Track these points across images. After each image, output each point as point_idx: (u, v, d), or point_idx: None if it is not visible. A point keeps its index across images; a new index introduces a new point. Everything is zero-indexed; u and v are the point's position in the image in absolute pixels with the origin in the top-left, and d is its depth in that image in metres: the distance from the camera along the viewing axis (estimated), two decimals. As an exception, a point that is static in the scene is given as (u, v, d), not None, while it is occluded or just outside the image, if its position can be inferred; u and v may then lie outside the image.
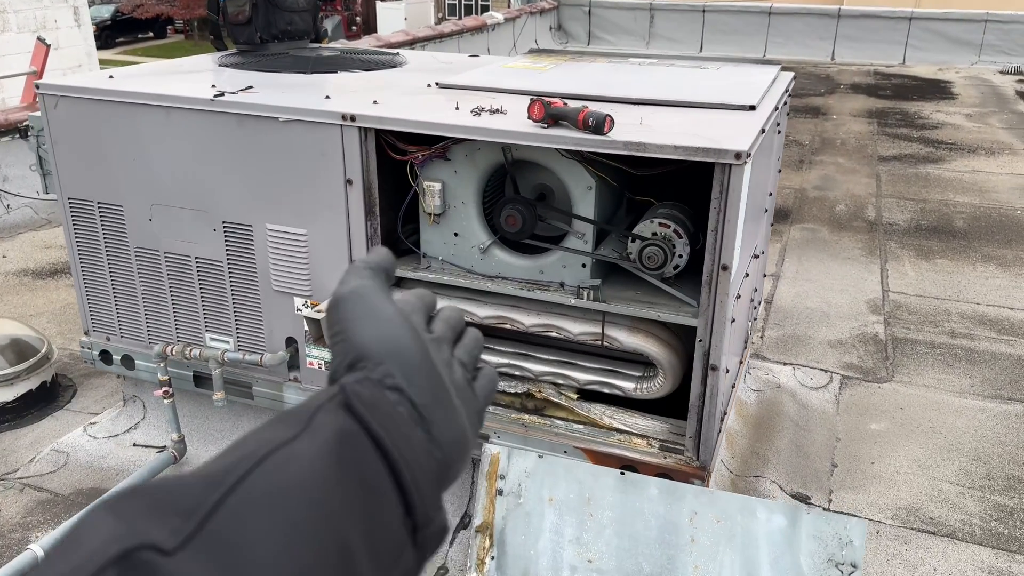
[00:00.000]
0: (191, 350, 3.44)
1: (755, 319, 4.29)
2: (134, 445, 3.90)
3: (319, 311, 3.07)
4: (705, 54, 16.18)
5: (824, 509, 3.52)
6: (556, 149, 2.79)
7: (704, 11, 17.63)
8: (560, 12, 18.45)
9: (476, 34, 14.42)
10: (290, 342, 3.36)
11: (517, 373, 3.26)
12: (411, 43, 11.94)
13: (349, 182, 2.98)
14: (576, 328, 2.98)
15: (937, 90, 13.66)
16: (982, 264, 6.28)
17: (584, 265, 2.93)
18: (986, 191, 8.06)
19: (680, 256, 2.81)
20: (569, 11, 18.47)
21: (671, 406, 3.16)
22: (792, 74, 3.87)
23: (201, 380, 3.63)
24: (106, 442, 3.92)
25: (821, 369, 4.67)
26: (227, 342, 3.48)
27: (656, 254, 2.77)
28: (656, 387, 3.03)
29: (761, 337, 5.00)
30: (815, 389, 4.47)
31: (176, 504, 0.44)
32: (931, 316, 5.40)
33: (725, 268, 2.60)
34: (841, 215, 7.42)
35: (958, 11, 16.20)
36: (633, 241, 2.85)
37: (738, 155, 2.45)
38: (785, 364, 4.69)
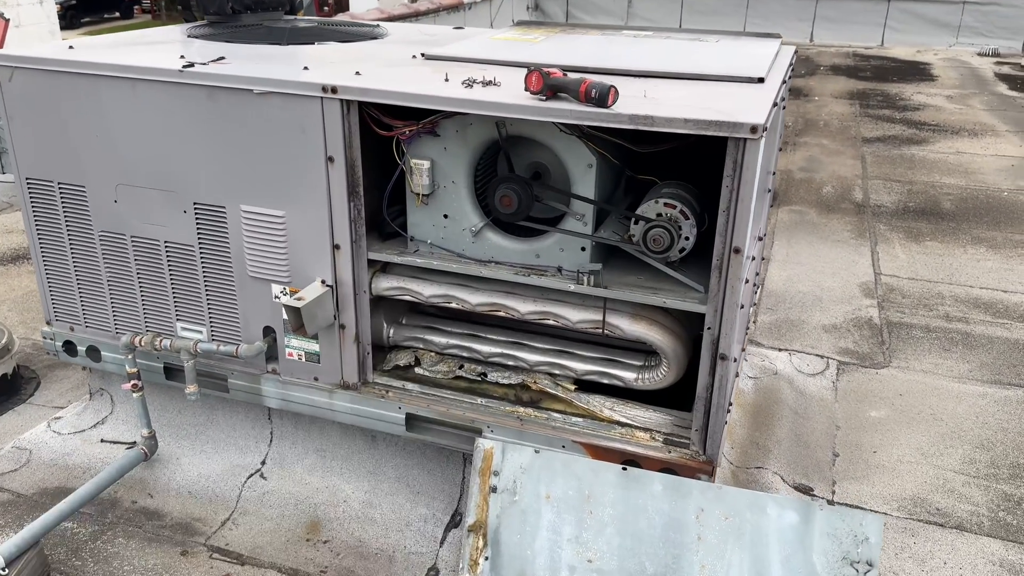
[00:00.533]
0: (161, 341, 3.22)
1: (755, 304, 4.14)
2: (101, 441, 3.67)
3: (299, 298, 2.86)
4: (685, 35, 15.99)
5: (829, 502, 3.39)
6: (555, 124, 2.60)
7: (683, -9, 17.45)
8: (537, -8, 18.17)
9: (452, 13, 14.12)
10: (268, 332, 3.15)
11: (511, 363, 3.08)
12: (386, 20, 11.64)
13: (330, 160, 2.77)
14: (575, 316, 2.80)
15: (917, 72, 13.61)
16: (972, 246, 6.19)
17: (583, 248, 2.75)
18: (971, 172, 7.99)
19: (687, 238, 2.64)
20: (546, -9, 18.20)
21: (671, 397, 2.99)
22: (794, 48, 3.70)
23: (173, 372, 3.41)
24: (71, 438, 3.69)
25: (817, 355, 4.55)
26: (200, 332, 3.27)
27: (662, 236, 2.60)
28: (659, 377, 2.87)
29: (754, 322, 4.86)
30: (812, 376, 4.34)
31: None
32: (925, 299, 5.29)
33: (737, 251, 2.44)
34: (828, 197, 7.30)
35: (937, -8, 16.15)
36: (636, 223, 2.68)
37: (754, 129, 2.27)
38: (780, 350, 4.56)
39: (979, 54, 15.28)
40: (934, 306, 5.20)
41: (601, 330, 2.78)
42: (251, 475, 3.43)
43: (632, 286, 2.72)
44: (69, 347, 3.55)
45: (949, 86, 12.36)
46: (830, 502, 3.40)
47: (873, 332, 4.85)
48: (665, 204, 2.63)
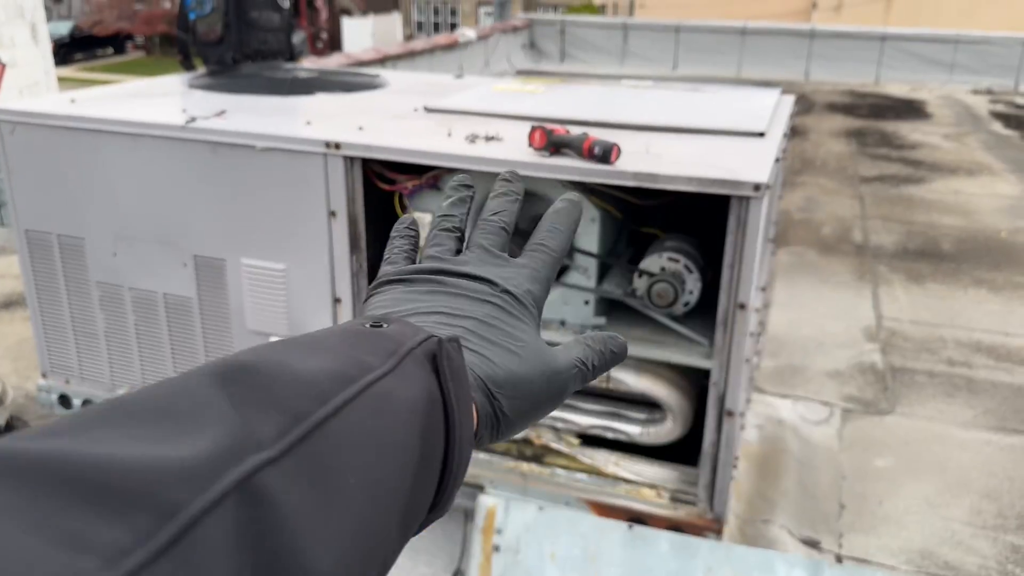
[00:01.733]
0: (159, 394, 3.17)
1: (759, 353, 4.12)
2: (97, 495, 3.61)
3: (299, 353, 2.83)
4: (679, 72, 16.19)
5: (837, 557, 3.33)
6: (558, 180, 2.59)
7: (678, 30, 17.63)
8: (533, 30, 18.36)
9: (448, 52, 14.25)
10: (267, 385, 3.11)
11: (513, 417, 3.04)
12: (381, 61, 11.70)
13: (332, 214, 2.76)
14: (578, 370, 2.77)
15: (912, 110, 13.72)
16: (973, 288, 6.18)
17: (587, 302, 2.73)
18: (970, 212, 8.00)
19: (691, 292, 2.62)
20: (542, 29, 18.39)
21: (677, 451, 2.96)
22: (792, 97, 3.71)
23: (170, 425, 3.36)
24: (66, 492, 3.62)
25: (821, 402, 4.50)
26: (198, 385, 3.22)
27: (666, 291, 2.58)
28: (664, 431, 2.83)
29: (758, 369, 4.82)
30: (817, 424, 4.30)
31: (287, 402, 0.43)
32: (927, 344, 5.26)
33: (742, 306, 2.42)
34: (828, 238, 7.31)
35: (929, 31, 16.35)
36: (640, 276, 2.66)
37: (756, 187, 2.27)
38: (784, 397, 4.52)
39: (973, 92, 15.43)
40: (936, 350, 5.17)
41: (606, 384, 2.75)
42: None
43: (637, 340, 2.69)
44: (64, 400, 3.51)
45: (945, 124, 12.45)
46: (838, 557, 3.34)
47: (876, 377, 4.81)
48: (669, 259, 2.62)
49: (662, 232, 2.88)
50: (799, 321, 5.54)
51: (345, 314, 2.88)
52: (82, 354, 3.39)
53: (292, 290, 2.92)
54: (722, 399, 2.54)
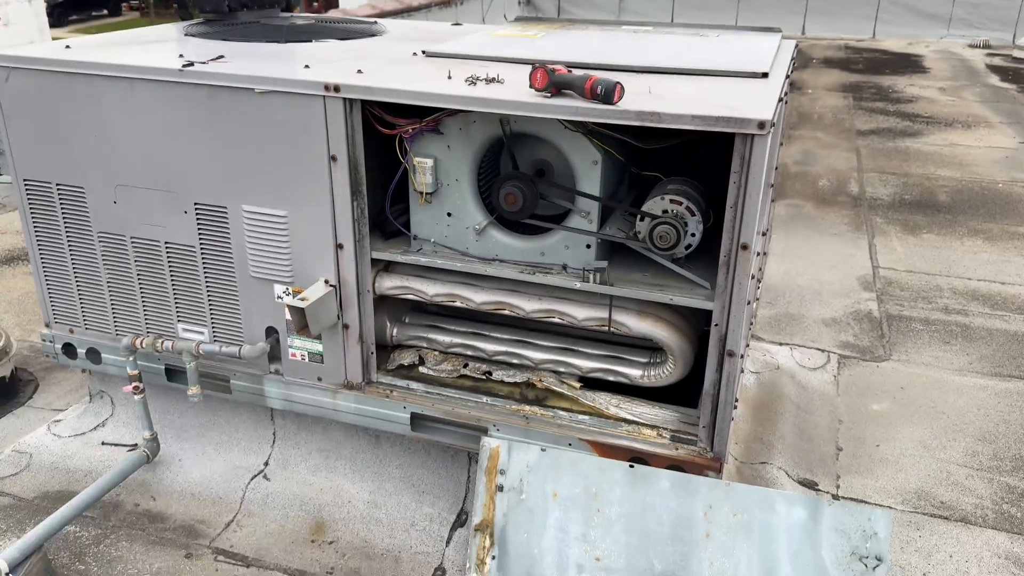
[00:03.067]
0: (162, 342, 3.19)
1: (758, 299, 4.13)
2: (103, 444, 3.65)
3: (303, 299, 2.84)
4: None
5: (834, 497, 3.39)
6: (560, 121, 2.59)
7: (674, -15, 17.42)
8: (529, -14, 18.12)
9: (443, 8, 14.08)
10: (270, 332, 3.13)
11: (516, 361, 3.07)
12: (378, 16, 11.58)
13: (333, 159, 2.75)
14: (581, 313, 2.79)
15: (909, 64, 13.63)
16: (969, 238, 6.21)
17: (589, 246, 2.74)
18: (966, 164, 8.00)
19: (692, 235, 2.63)
20: (538, -15, 18.16)
21: (677, 393, 2.99)
22: (795, 42, 3.69)
23: (174, 374, 3.38)
24: (72, 441, 3.66)
25: (818, 349, 4.55)
26: (201, 333, 3.24)
27: (668, 233, 2.59)
28: (665, 374, 2.86)
29: (755, 316, 4.85)
30: (814, 370, 4.34)
31: None
32: (923, 292, 5.30)
33: (745, 247, 2.43)
34: (824, 190, 7.31)
35: (927, -16, 16.17)
36: (642, 219, 2.66)
37: (761, 124, 2.26)
38: (781, 344, 4.56)
39: (970, 46, 15.31)
40: (933, 299, 5.21)
41: (607, 328, 2.77)
42: (254, 476, 3.41)
43: (638, 283, 2.70)
44: (69, 350, 3.52)
45: (941, 78, 12.38)
46: (835, 497, 3.40)
47: (873, 325, 4.85)
48: (671, 200, 2.62)
49: (664, 176, 2.88)
50: (796, 271, 5.57)
51: (347, 260, 2.89)
52: (85, 304, 3.40)
53: (294, 236, 2.92)
54: (723, 340, 2.56)
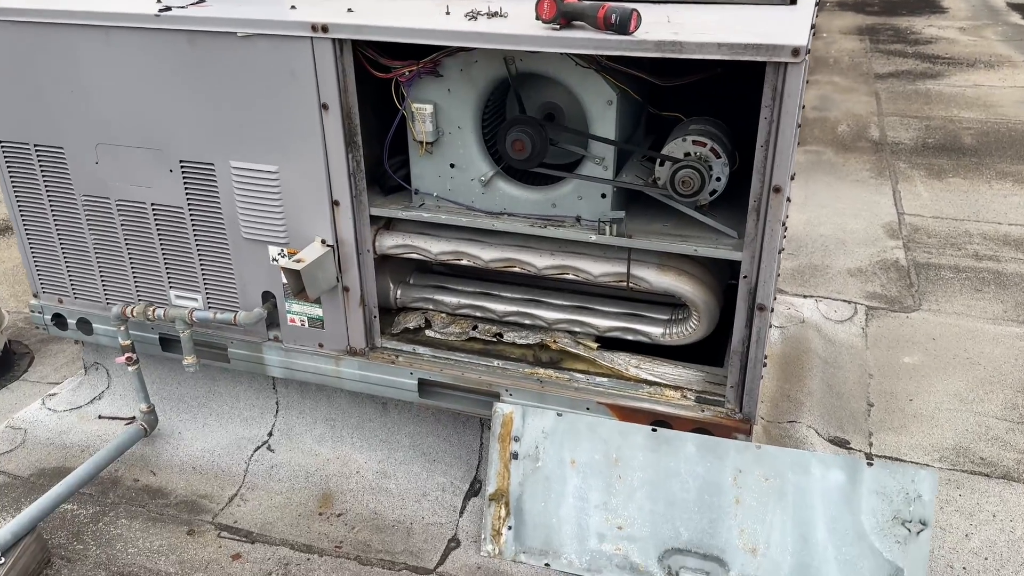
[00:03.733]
0: (154, 310, 3.02)
1: (783, 249, 3.92)
2: (99, 417, 3.50)
3: (298, 260, 2.65)
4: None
5: (867, 455, 3.21)
6: (570, 57, 2.36)
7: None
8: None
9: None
10: (267, 297, 2.95)
11: (528, 322, 2.88)
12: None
13: (324, 107, 2.54)
14: (597, 269, 2.59)
15: (926, 4, 13.16)
16: (997, 181, 5.94)
17: (604, 195, 2.53)
18: (990, 105, 7.68)
19: (718, 179, 2.41)
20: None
21: (699, 352, 2.80)
22: (819, -30, 3.42)
23: (169, 343, 3.22)
24: (68, 415, 3.51)
25: (844, 300, 4.34)
26: (195, 300, 3.06)
27: (691, 178, 2.37)
28: (688, 331, 2.67)
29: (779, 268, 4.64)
30: (840, 322, 4.14)
31: None
32: (952, 238, 5.07)
33: (777, 190, 2.22)
34: (844, 136, 7.03)
35: (945, -79, 15.57)
36: (662, 164, 2.45)
37: (795, 51, 2.04)
38: (806, 297, 4.35)
39: (990, -16, 14.77)
40: (962, 245, 4.98)
41: (625, 283, 2.57)
42: (258, 448, 3.26)
43: (658, 234, 2.50)
44: (59, 320, 3.36)
45: (961, 18, 11.94)
46: (868, 456, 3.23)
47: (900, 274, 4.63)
48: (694, 142, 2.40)
49: (685, 116, 2.66)
50: (818, 220, 5.34)
51: (344, 218, 2.69)
52: (73, 272, 3.22)
53: (287, 193, 2.72)
54: (753, 293, 2.36)
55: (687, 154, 2.41)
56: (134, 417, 3.35)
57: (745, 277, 2.36)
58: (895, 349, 3.94)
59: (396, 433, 3.17)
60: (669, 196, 2.46)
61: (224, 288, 3.00)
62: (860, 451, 3.27)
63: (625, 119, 2.55)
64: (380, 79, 2.55)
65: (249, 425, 3.33)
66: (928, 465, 3.19)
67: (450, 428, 3.12)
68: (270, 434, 3.30)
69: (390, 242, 2.79)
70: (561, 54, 2.36)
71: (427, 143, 2.62)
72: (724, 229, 2.45)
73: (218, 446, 3.29)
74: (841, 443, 3.30)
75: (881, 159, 6.45)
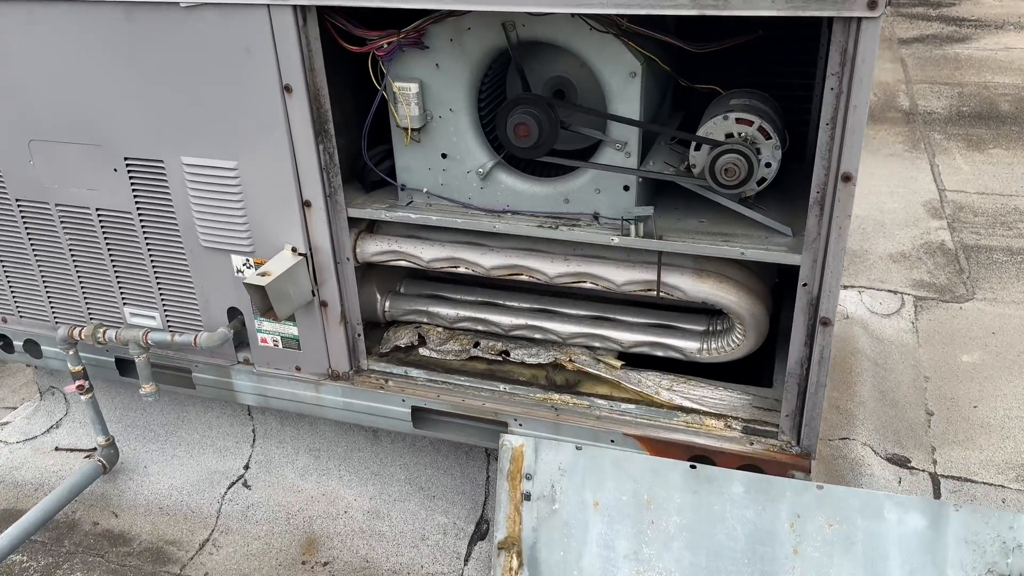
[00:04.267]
0: (105, 332, 2.60)
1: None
2: (56, 449, 3.10)
3: (263, 274, 2.23)
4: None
5: (931, 474, 2.79)
6: (584, 19, 1.92)
7: None
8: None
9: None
10: (234, 314, 2.53)
11: (539, 337, 2.46)
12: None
13: (287, 89, 2.10)
14: (621, 276, 2.16)
15: (945, -35, 12.56)
16: (1043, 151, 5.47)
17: (627, 187, 2.10)
18: (1026, 69, 7.18)
19: (768, 165, 1.97)
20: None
21: (737, 366, 2.37)
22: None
23: (127, 366, 2.80)
24: (21, 448, 3.11)
25: (889, 290, 3.90)
26: (152, 317, 2.65)
27: (736, 164, 1.93)
28: (731, 347, 2.24)
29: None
30: (887, 316, 3.70)
31: None
32: (1000, 216, 4.61)
33: (847, 178, 1.78)
34: (872, 106, 6.54)
35: None
36: (698, 148, 2.01)
37: (872, 3, 1.59)
38: (847, 287, 3.91)
39: (1010, -58, 14.14)
40: (1013, 224, 4.52)
41: (655, 293, 2.14)
42: (233, 483, 2.85)
43: (694, 233, 2.06)
44: (4, 342, 2.94)
45: (984, -23, 11.36)
46: (934, 478, 2.80)
47: (948, 259, 4.19)
48: (737, 120, 1.96)
49: (722, 89, 2.21)
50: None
51: (318, 221, 2.26)
52: (16, 288, 2.81)
53: (249, 194, 2.29)
54: (815, 304, 1.93)
55: (729, 135, 1.97)
56: (95, 448, 2.95)
57: (805, 285, 1.92)
58: (951, 346, 3.51)
59: (389, 464, 2.76)
60: (707, 187, 2.02)
61: (184, 304, 2.58)
62: (924, 470, 2.84)
63: (651, 94, 2.10)
64: (354, 54, 2.11)
65: (223, 456, 2.92)
66: (1001, 485, 2.77)
67: (451, 459, 2.71)
68: (246, 467, 2.89)
69: (374, 248, 2.36)
70: (573, 15, 1.92)
71: (413, 129, 2.18)
72: (776, 226, 2.01)
73: (188, 482, 2.88)
74: (901, 461, 2.88)
75: (914, 130, 5.98)
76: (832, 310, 1.91)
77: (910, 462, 2.88)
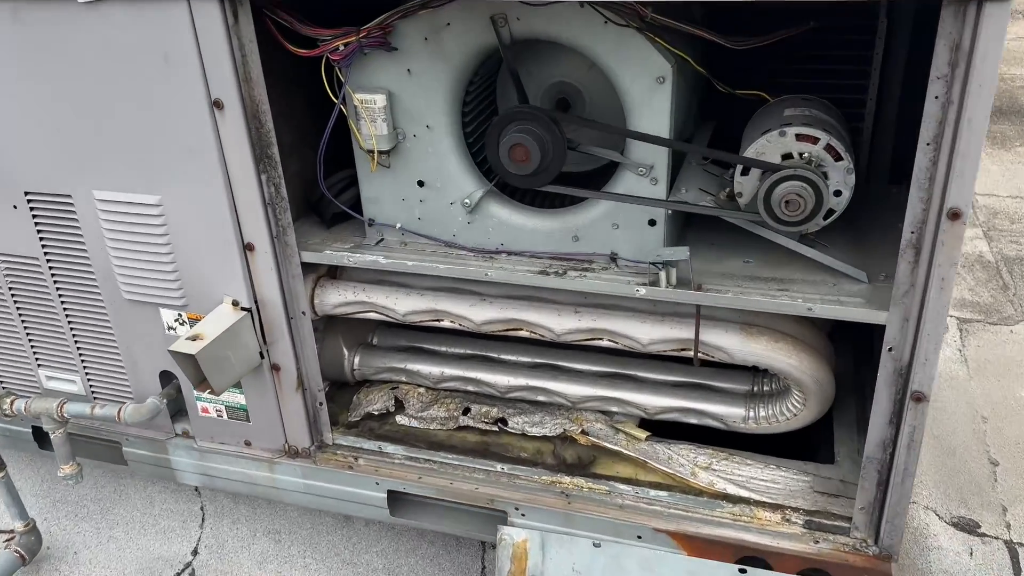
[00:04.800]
0: (13, 402, 2.14)
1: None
2: (-29, 531, 2.62)
3: (196, 337, 1.77)
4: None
5: (1008, 545, 2.35)
6: (596, 8, 1.47)
7: None
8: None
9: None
10: (168, 379, 2.06)
11: (543, 399, 2.00)
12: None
13: (217, 105, 1.64)
14: (647, 333, 1.71)
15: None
16: (1075, 148, 5.06)
17: (653, 222, 1.65)
18: (1043, 59, 6.78)
19: (838, 192, 1.52)
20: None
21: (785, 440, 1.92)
22: None
23: (46, 437, 2.33)
24: (-70, 529, 2.63)
25: (930, 312, 3.46)
26: (73, 382, 2.18)
27: (801, 195, 1.48)
28: (788, 415, 1.79)
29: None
30: (931, 343, 3.26)
31: None
32: (1040, 222, 4.19)
33: (955, 216, 1.33)
34: (883, 102, 6.12)
35: None
36: (744, 172, 1.56)
37: (1003, -21, 1.15)
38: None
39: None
40: (1054, 230, 4.11)
41: (693, 355, 1.69)
42: (179, 573, 2.39)
43: (741, 279, 1.62)
44: (-96, 407, 2.46)
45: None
46: (1010, 547, 2.37)
47: (990, 274, 3.76)
48: (799, 137, 1.51)
49: (769, 96, 1.76)
50: (875, 207, 4.45)
51: (263, 268, 1.80)
52: (-88, 344, 2.34)
53: (177, 236, 1.83)
54: (906, 374, 1.49)
55: (787, 156, 1.52)
56: (12, 535, 2.47)
57: (891, 350, 1.48)
58: (1006, 377, 3.07)
59: (364, 551, 2.30)
60: (759, 222, 1.57)
61: (108, 367, 2.12)
62: (997, 537, 2.41)
63: (681, 104, 1.65)
64: (304, 58, 1.65)
65: (167, 539, 2.45)
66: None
67: (438, 545, 2.25)
68: (195, 552, 2.42)
69: (336, 298, 1.90)
70: (582, 5, 1.47)
71: (381, 152, 1.73)
72: (849, 270, 1.57)
73: (126, 571, 2.41)
74: (970, 527, 2.44)
75: (932, 128, 5.55)
76: (928, 382, 1.47)
77: (980, 527, 2.44)
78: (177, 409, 2.14)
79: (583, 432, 1.94)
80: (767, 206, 1.51)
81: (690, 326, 1.67)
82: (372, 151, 1.72)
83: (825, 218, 1.54)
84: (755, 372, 1.90)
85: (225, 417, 2.07)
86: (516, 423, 2.00)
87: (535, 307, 1.78)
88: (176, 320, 1.95)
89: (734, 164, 1.57)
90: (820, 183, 1.47)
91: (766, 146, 1.53)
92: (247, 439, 2.08)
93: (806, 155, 1.51)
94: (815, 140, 1.51)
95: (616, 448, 1.91)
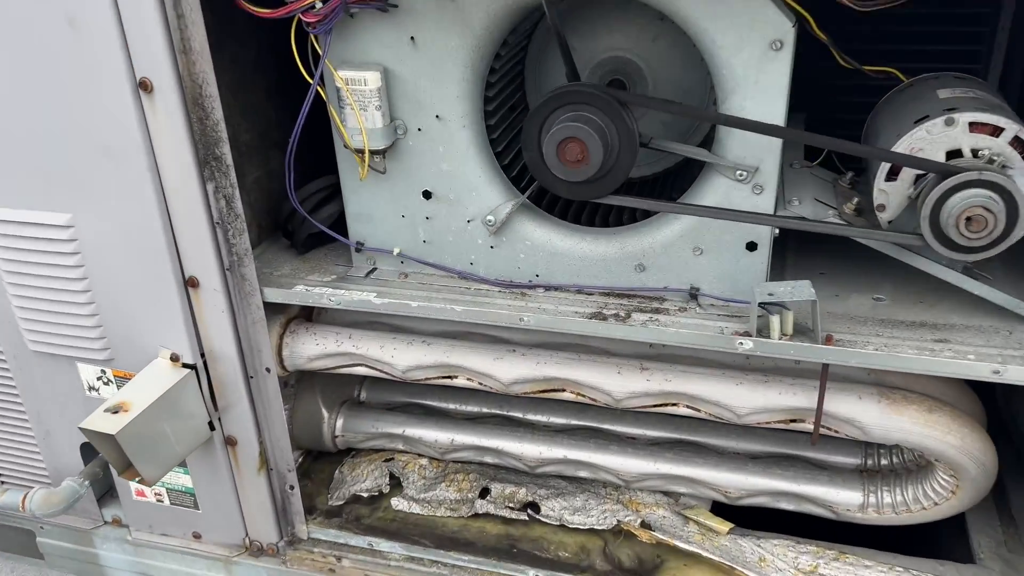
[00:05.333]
0: None
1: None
2: None
3: (119, 408, 1.28)
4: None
5: None
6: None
7: None
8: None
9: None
10: (92, 452, 1.57)
11: (585, 475, 1.53)
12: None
13: (143, 86, 1.17)
14: (745, 400, 1.25)
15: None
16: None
17: (752, 246, 1.19)
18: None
19: (1030, 207, 1.07)
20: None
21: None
22: None
23: (-56, 520, 1.83)
24: None
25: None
26: (-30, 454, 1.68)
27: (990, 210, 1.03)
28: (928, 502, 1.33)
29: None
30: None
31: None
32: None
33: None
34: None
35: None
36: (891, 177, 1.10)
37: None
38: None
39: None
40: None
41: (813, 431, 1.22)
42: None
43: (878, 326, 1.17)
44: None
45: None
46: None
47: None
48: (972, 127, 1.06)
49: (904, 75, 1.30)
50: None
51: (211, 308, 1.32)
52: None
53: (95, 267, 1.34)
54: None
55: (955, 153, 1.07)
56: (-97, 640, 1.97)
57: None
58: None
59: (351, 663, 1.81)
60: (920, 246, 1.11)
61: (12, 438, 1.62)
62: None
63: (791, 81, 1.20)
64: (267, 22, 1.18)
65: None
66: None
67: (447, 657, 1.76)
68: (135, 662, 1.92)
69: (312, 349, 1.43)
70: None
71: (374, 152, 1.26)
72: (1037, 315, 1.12)
73: None
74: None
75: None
76: None
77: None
78: (107, 489, 1.65)
79: (642, 524, 1.47)
80: (934, 224, 1.06)
81: (803, 391, 1.21)
82: (361, 151, 1.25)
83: (1001, 240, 1.09)
84: (866, 444, 1.44)
85: (167, 502, 1.58)
86: (551, 509, 1.52)
87: (585, 363, 1.31)
88: (99, 379, 1.46)
89: (867, 168, 1.12)
90: (1015, 192, 1.02)
91: (925, 140, 1.08)
92: (196, 531, 1.59)
93: (984, 152, 1.06)
94: (997, 131, 1.06)
95: (688, 548, 1.43)
